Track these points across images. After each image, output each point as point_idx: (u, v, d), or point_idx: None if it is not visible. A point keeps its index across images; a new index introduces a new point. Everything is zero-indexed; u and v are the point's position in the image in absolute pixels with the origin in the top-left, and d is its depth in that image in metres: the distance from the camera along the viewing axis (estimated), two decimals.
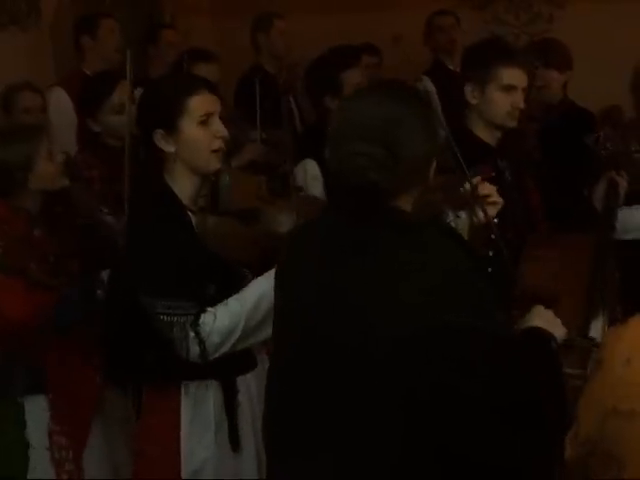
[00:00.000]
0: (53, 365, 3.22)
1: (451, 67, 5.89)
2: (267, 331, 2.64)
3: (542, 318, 2.28)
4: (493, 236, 2.62)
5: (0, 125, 4.16)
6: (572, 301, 3.20)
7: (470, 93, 3.34)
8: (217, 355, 2.73)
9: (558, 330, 2.27)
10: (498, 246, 2.52)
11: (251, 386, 2.93)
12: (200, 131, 2.75)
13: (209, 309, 2.70)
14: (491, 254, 2.51)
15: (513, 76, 3.32)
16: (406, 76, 4.63)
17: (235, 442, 2.85)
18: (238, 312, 2.70)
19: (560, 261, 3.23)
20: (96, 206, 3.60)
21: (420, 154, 2.04)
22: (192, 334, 2.68)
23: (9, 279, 3.07)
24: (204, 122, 2.75)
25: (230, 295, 2.73)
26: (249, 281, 2.78)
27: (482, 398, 1.92)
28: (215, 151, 2.77)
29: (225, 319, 2.69)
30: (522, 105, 3.34)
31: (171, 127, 2.74)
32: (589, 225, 3.59)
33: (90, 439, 3.36)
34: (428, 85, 5.36)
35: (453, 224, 2.56)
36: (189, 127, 2.74)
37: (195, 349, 2.69)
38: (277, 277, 2.27)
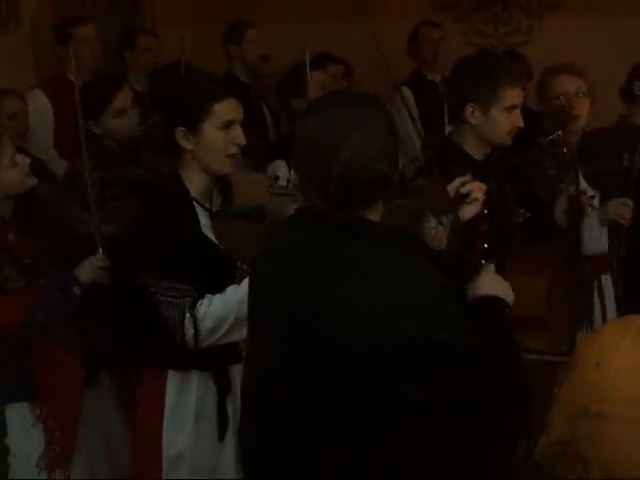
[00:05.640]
0: (36, 365, 3.20)
1: (431, 78, 5.89)
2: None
3: (492, 283, 2.26)
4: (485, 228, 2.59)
5: None
6: (557, 317, 3.24)
7: (471, 114, 3.23)
8: (209, 342, 2.85)
9: (509, 295, 2.25)
10: (484, 240, 2.49)
11: (236, 379, 3.02)
12: (220, 135, 2.90)
13: (207, 295, 2.83)
14: (486, 246, 2.47)
15: (517, 96, 3.25)
16: (383, 85, 4.66)
17: (223, 431, 2.97)
18: (232, 302, 2.81)
19: (544, 281, 3.26)
20: (67, 205, 3.63)
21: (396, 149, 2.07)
22: (188, 315, 2.80)
23: None
24: (226, 127, 2.90)
25: (220, 286, 2.85)
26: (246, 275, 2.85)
27: (456, 412, 1.95)
28: (230, 156, 2.94)
29: (219, 305, 2.82)
30: (521, 123, 3.27)
31: (194, 127, 2.90)
32: (551, 238, 3.63)
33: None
34: (407, 95, 5.37)
35: (434, 231, 2.55)
36: (211, 130, 2.90)
37: (190, 331, 2.82)
38: (251, 280, 2.26)
